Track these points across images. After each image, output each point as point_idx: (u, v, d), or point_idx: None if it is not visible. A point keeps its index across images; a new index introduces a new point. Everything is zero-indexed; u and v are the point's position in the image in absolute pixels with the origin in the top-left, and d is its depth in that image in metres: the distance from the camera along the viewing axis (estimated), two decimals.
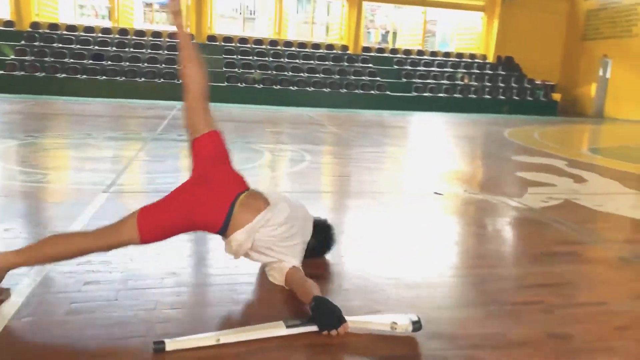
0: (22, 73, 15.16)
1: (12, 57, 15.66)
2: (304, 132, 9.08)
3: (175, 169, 5.12)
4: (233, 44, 18.33)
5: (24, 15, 17.07)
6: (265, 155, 5.96)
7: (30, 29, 16.99)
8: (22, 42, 16.33)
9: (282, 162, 5.71)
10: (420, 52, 20.27)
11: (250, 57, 17.87)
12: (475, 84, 18.79)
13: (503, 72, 19.63)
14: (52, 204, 3.49)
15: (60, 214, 3.21)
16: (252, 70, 17.17)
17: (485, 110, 17.65)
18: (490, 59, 20.42)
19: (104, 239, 2.08)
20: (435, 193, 4.50)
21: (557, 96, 19.41)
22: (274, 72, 17.34)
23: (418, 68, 19.11)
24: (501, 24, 20.10)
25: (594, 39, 19.66)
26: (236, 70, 17.06)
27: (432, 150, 7.96)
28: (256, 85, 16.62)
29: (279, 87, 16.77)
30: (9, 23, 17.08)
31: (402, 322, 1.92)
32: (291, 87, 16.84)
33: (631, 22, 18.01)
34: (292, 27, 21.84)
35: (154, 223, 2.11)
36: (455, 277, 2.58)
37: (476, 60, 20.20)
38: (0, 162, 4.75)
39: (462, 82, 18.81)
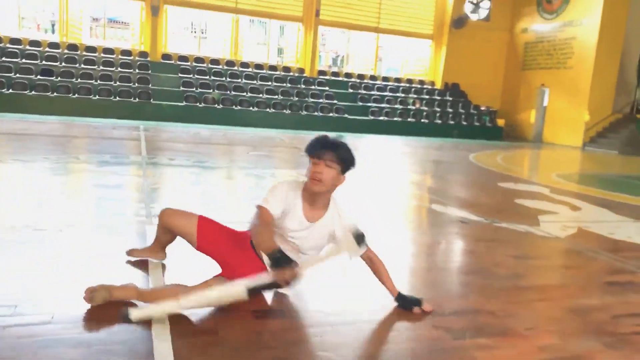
0: None
1: None
2: (291, 156, 9.09)
3: (197, 195, 4.99)
4: (189, 63, 18.04)
5: None
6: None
7: None
8: None
9: None
10: (372, 77, 20.85)
11: (207, 77, 17.66)
12: (426, 109, 19.57)
13: (450, 98, 20.59)
14: (114, 236, 3.31)
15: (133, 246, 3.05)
16: (210, 90, 16.97)
17: (437, 134, 18.40)
18: (438, 85, 21.35)
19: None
20: (462, 222, 4.68)
21: (501, 122, 20.58)
22: (233, 92, 17.23)
23: (372, 92, 19.65)
24: (448, 52, 21.13)
25: (532, 69, 21.08)
26: (194, 89, 16.79)
27: (422, 176, 8.21)
28: (216, 106, 16.42)
29: (239, 107, 16.65)
30: None
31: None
32: (251, 108, 16.78)
33: (566, 55, 19.51)
34: (246, 48, 21.82)
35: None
36: (551, 308, 2.71)
37: (425, 86, 21.06)
38: (32, 192, 4.42)
39: (414, 107, 19.53)
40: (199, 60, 18.43)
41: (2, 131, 9.29)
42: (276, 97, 17.56)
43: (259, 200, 2.33)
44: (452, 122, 19.36)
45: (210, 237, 2.46)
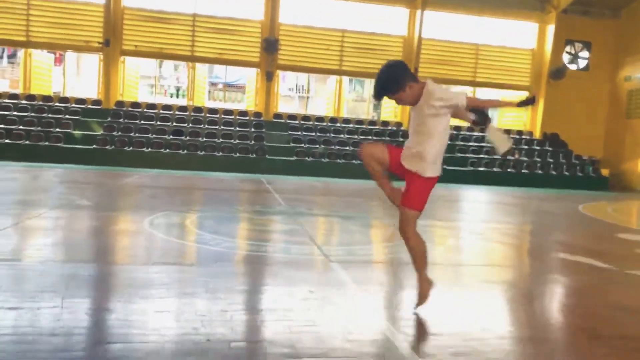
0: (113, 147, 16.51)
1: (101, 132, 17.11)
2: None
3: (359, 241, 5.93)
4: (297, 121, 19.67)
5: (111, 95, 18.72)
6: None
7: (115, 107, 18.57)
8: (109, 118, 17.85)
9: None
10: (469, 128, 21.37)
11: (314, 134, 19.13)
12: (527, 159, 19.70)
13: (550, 148, 20.56)
14: (313, 272, 4.29)
15: (329, 280, 3.99)
16: (317, 145, 18.37)
17: (539, 184, 18.43)
18: (537, 135, 21.43)
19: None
20: (593, 265, 5.21)
21: (605, 171, 20.15)
22: (337, 147, 18.51)
23: (469, 143, 20.15)
24: (546, 102, 21.26)
25: (638, 117, 20.61)
26: (302, 145, 18.27)
27: (541, 227, 8.68)
28: (322, 159, 17.74)
29: (343, 161, 17.85)
30: (96, 102, 18.74)
31: None
32: (353, 161, 17.91)
33: None
34: (345, 105, 23.35)
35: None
36: None
37: (524, 137, 21.21)
38: (223, 237, 5.61)
39: (514, 158, 19.73)
40: (305, 118, 20.04)
41: (163, 185, 10.98)
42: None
43: (464, 96, 3.14)
44: (553, 173, 19.30)
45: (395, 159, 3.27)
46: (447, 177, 18.54)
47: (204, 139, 17.64)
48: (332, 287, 3.82)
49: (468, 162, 18.87)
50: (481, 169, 18.78)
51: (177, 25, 18.79)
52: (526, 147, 20.55)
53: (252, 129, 18.69)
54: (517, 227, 8.43)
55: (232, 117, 19.28)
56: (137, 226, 5.87)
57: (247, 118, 19.29)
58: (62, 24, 18.10)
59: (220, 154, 17.16)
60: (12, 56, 21.86)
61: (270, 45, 18.64)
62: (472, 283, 4.43)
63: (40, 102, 18.10)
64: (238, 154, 17.24)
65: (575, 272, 5.02)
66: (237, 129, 18.62)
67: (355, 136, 19.46)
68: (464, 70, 21.05)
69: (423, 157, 3.19)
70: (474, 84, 21.39)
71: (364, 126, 20.26)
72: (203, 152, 17.06)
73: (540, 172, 19.32)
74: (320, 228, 6.65)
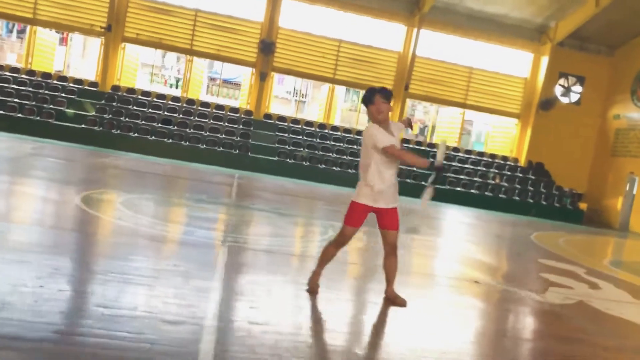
0: (101, 129, 17.07)
1: (93, 113, 17.68)
2: None
3: (271, 234, 6.35)
4: (286, 124, 20.14)
5: (108, 79, 19.30)
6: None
7: (110, 91, 19.14)
8: (103, 101, 18.43)
9: None
10: (455, 149, 21.73)
11: (300, 137, 19.58)
12: (506, 184, 20.00)
13: (533, 177, 20.83)
14: (198, 251, 4.72)
15: (205, 259, 4.42)
16: (301, 149, 18.82)
17: (514, 210, 18.70)
18: (522, 162, 21.71)
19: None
20: (475, 282, 5.59)
21: (583, 205, 20.36)
22: (320, 152, 18.95)
23: (452, 163, 20.49)
24: (534, 131, 21.54)
25: (622, 156, 20.83)
26: (286, 147, 18.73)
27: (475, 246, 9.05)
28: (303, 163, 18.18)
29: (323, 166, 18.29)
30: (93, 84, 19.33)
31: None
32: (334, 168, 18.35)
33: None
34: (339, 113, 23.80)
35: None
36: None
37: (508, 163, 21.51)
38: (142, 216, 6.07)
39: (494, 182, 20.04)
40: (295, 121, 20.51)
41: (130, 168, 11.48)
42: (359, 159, 19.00)
43: (382, 144, 3.93)
44: (531, 201, 19.57)
45: None
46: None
47: (191, 130, 18.15)
48: (199, 265, 4.25)
49: (446, 182, 19.20)
50: (458, 189, 19.11)
51: (178, 18, 19.35)
52: (509, 173, 20.85)
53: (240, 126, 19.17)
54: (451, 244, 8.80)
55: (223, 112, 19.77)
56: (67, 197, 6.34)
57: (237, 115, 19.78)
58: (68, 5, 18.75)
59: (204, 146, 17.66)
60: (21, 32, 22.57)
61: (266, 47, 19.15)
62: (341, 284, 4.82)
63: (39, 79, 18.72)
64: (222, 149, 17.73)
65: (458, 288, 5.40)
66: (226, 124, 19.12)
67: (341, 144, 19.89)
68: (455, 91, 21.40)
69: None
70: (465, 106, 21.72)
71: (351, 135, 20.67)
72: (187, 143, 17.57)
73: (517, 198, 19.60)
74: (245, 220, 7.08)
